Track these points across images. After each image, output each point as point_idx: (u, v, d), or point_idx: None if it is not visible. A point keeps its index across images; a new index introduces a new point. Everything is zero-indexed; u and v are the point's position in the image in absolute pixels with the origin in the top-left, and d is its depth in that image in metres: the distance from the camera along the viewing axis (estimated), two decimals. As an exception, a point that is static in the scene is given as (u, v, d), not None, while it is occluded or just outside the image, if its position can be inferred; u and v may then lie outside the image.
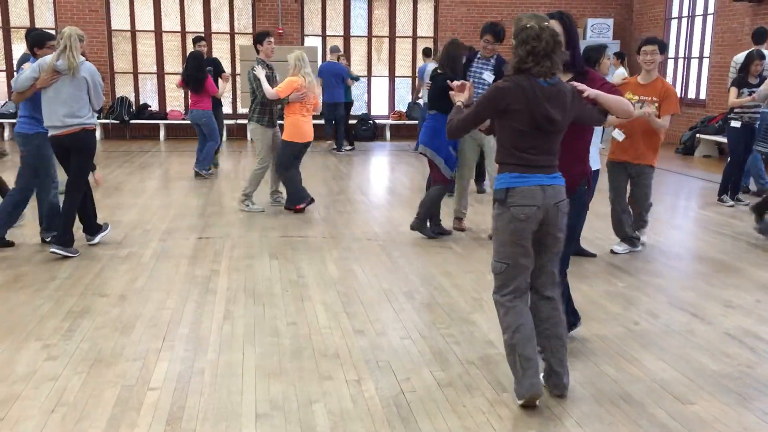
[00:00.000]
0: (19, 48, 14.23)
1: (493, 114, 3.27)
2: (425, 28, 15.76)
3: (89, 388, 3.39)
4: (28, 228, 6.51)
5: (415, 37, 15.57)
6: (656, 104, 5.69)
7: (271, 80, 7.47)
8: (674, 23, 14.74)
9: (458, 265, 5.64)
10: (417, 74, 13.23)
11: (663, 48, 5.79)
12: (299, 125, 7.31)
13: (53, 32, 6.54)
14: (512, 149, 3.22)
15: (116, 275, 5.25)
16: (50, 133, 5.63)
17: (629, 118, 4.10)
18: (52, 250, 5.62)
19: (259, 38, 7.66)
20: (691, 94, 14.29)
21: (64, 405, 3.23)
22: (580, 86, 3.35)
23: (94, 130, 5.80)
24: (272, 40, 7.69)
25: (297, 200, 7.51)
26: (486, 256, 5.91)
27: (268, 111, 7.46)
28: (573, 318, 4.03)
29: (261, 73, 7.29)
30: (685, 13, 14.38)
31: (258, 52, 7.63)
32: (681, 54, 14.55)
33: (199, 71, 9.39)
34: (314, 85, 7.46)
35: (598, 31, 15.14)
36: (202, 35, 11.96)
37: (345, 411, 3.22)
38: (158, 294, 4.82)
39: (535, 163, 3.20)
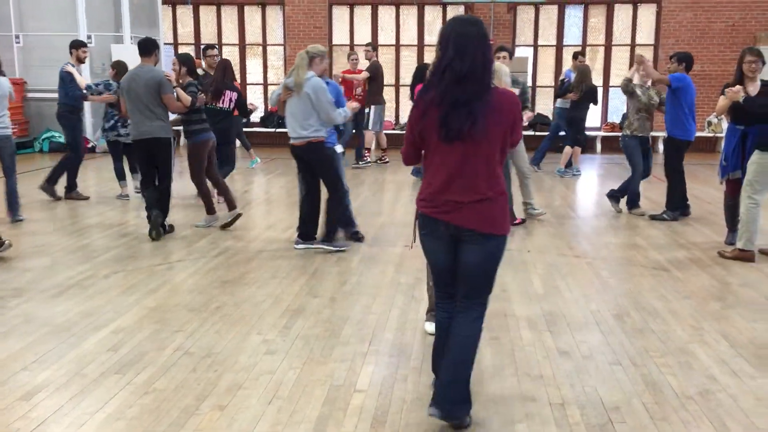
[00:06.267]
0: (254, 63, 15.72)
1: None
2: (645, 35, 14.91)
3: (302, 385, 3.60)
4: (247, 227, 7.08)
5: (633, 45, 14.80)
6: None
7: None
8: None
9: (675, 289, 5.24)
10: None
11: None
12: None
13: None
14: None
15: (328, 277, 5.53)
16: (290, 142, 6.17)
17: None
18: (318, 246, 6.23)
19: None
20: None
21: (279, 398, 3.45)
22: None
23: (322, 142, 6.05)
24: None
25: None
26: (709, 281, 5.45)
27: None
28: None
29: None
30: None
31: None
32: None
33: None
34: None
35: None
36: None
37: (548, 435, 3.11)
38: (365, 298, 5.00)
39: None
